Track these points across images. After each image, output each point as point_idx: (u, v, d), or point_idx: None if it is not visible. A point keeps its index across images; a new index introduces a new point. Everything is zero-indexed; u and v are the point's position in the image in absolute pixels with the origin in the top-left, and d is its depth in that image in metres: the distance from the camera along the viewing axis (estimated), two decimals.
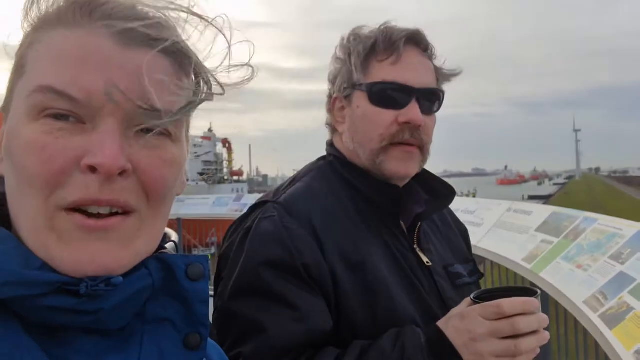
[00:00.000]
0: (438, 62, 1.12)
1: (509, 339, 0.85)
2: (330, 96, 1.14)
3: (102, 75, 0.47)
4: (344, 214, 1.05)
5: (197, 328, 0.54)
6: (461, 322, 0.88)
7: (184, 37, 0.52)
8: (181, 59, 0.52)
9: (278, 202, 1.03)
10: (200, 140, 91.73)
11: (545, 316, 0.88)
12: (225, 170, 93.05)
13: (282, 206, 1.01)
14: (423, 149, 1.07)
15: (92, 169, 0.46)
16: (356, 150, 1.09)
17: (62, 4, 0.50)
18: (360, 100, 1.07)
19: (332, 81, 1.13)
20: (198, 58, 0.53)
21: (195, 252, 9.56)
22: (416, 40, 1.07)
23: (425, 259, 1.10)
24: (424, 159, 1.09)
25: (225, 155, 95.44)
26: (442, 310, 1.03)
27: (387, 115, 1.04)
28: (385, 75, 1.04)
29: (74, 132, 0.47)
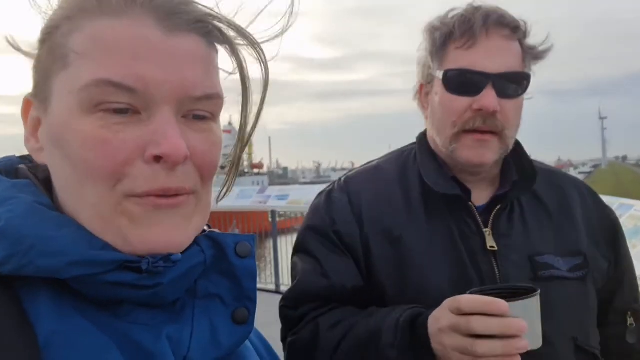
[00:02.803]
0: (530, 41, 1.07)
1: (470, 337, 0.81)
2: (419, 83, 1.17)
3: (155, 64, 0.48)
4: (400, 194, 1.10)
5: (245, 303, 0.55)
6: (438, 311, 0.89)
7: (225, 17, 0.53)
8: (225, 41, 0.53)
9: (342, 178, 1.18)
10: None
11: (515, 323, 0.79)
12: (245, 163, 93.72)
13: (341, 182, 1.16)
14: (501, 135, 1.04)
15: (157, 159, 0.48)
16: (434, 138, 1.12)
17: None
18: (438, 87, 1.08)
19: (419, 68, 1.15)
20: (238, 38, 0.53)
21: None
22: (495, 22, 1.03)
23: (490, 243, 1.05)
24: (503, 146, 1.05)
25: (246, 148, 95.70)
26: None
27: (461, 102, 1.03)
28: (460, 62, 1.04)
29: (131, 124, 0.48)
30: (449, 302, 0.86)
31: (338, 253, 1.08)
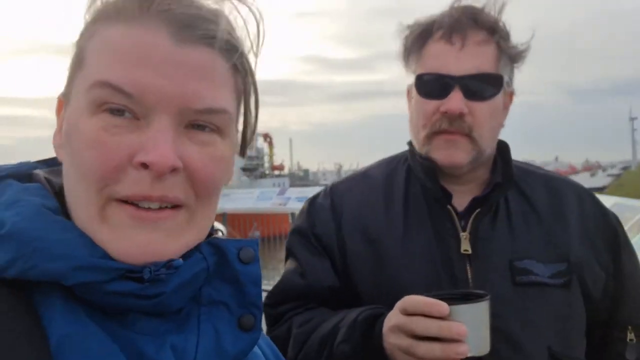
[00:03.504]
0: (507, 40, 1.07)
1: (413, 338, 0.83)
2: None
3: (157, 73, 0.48)
4: (383, 197, 1.13)
5: (250, 309, 0.55)
6: (392, 311, 0.91)
7: (236, 31, 0.54)
8: (233, 55, 0.53)
9: (330, 184, 1.24)
10: None
11: (455, 326, 0.79)
12: (266, 164, 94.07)
13: (328, 187, 1.22)
14: (471, 137, 1.04)
15: (145, 166, 0.48)
16: (413, 140, 1.14)
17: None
18: (413, 90, 1.10)
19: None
20: (247, 55, 0.55)
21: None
22: (467, 23, 1.04)
23: (464, 247, 1.06)
24: (475, 147, 1.05)
25: (266, 150, 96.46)
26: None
27: (430, 105, 1.05)
28: (430, 65, 1.06)
29: (128, 128, 0.49)
30: (399, 303, 0.88)
31: (316, 254, 1.12)
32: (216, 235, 0.59)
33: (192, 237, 0.53)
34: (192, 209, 0.52)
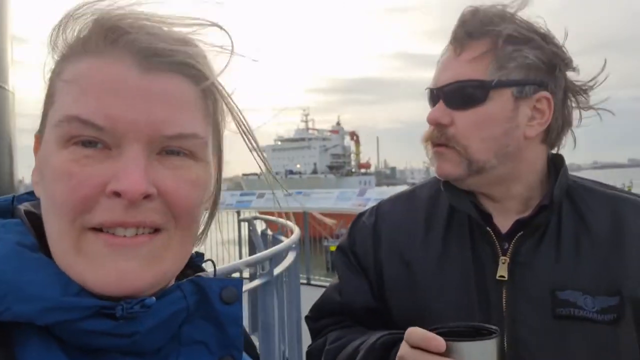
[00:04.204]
0: (508, 41, 0.98)
1: None
2: None
3: (125, 103, 0.49)
4: (424, 218, 1.10)
5: (230, 351, 0.54)
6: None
7: (208, 60, 0.55)
8: (201, 80, 0.53)
9: (378, 202, 1.22)
10: (328, 133, 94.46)
11: None
12: (352, 162, 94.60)
13: (377, 205, 1.21)
14: (455, 148, 0.99)
15: (117, 194, 0.48)
16: None
17: (87, 32, 0.52)
18: None
19: None
20: (219, 82, 0.55)
21: (325, 243, 10.12)
22: (456, 30, 1.01)
23: (500, 272, 0.99)
24: (464, 159, 0.99)
25: (353, 148, 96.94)
26: (499, 327, 0.93)
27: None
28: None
29: (100, 158, 0.49)
30: (406, 333, 0.85)
31: (354, 273, 1.13)
32: (200, 274, 0.59)
33: (170, 264, 0.52)
34: (171, 234, 0.52)
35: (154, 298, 0.50)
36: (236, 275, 5.63)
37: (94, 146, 0.49)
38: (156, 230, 0.51)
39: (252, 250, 5.68)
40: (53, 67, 0.54)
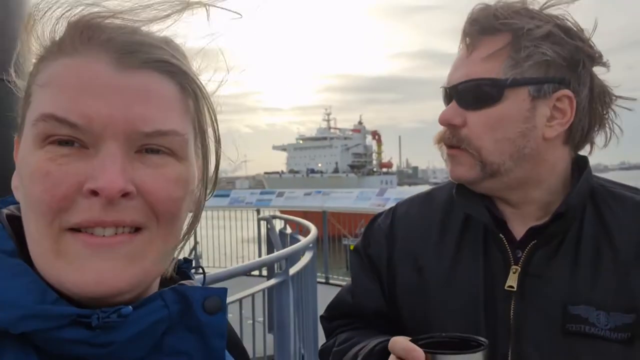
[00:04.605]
0: (528, 39, 0.91)
1: None
2: None
3: (101, 100, 0.48)
4: (439, 222, 1.06)
5: None
6: None
7: (187, 58, 0.54)
8: (180, 78, 0.52)
9: (396, 204, 1.19)
10: (350, 132, 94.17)
11: None
12: (374, 162, 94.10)
13: (393, 207, 1.18)
14: (468, 150, 0.94)
15: (95, 193, 0.47)
16: None
17: (62, 32, 0.51)
18: None
19: None
20: (196, 77, 0.54)
21: (344, 242, 10.09)
22: (467, 27, 0.97)
23: (509, 283, 0.95)
24: (477, 162, 0.94)
25: (375, 147, 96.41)
26: (504, 340, 0.93)
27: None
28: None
29: (77, 157, 0.48)
30: (390, 342, 0.84)
31: (367, 275, 1.11)
32: (184, 282, 0.58)
33: (151, 263, 0.51)
34: (153, 233, 0.50)
35: (130, 307, 0.48)
36: (255, 273, 5.66)
37: (71, 145, 0.48)
38: (137, 229, 0.50)
39: (270, 249, 5.70)
40: (31, 69, 0.53)
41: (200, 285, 0.57)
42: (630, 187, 1.02)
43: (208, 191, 0.59)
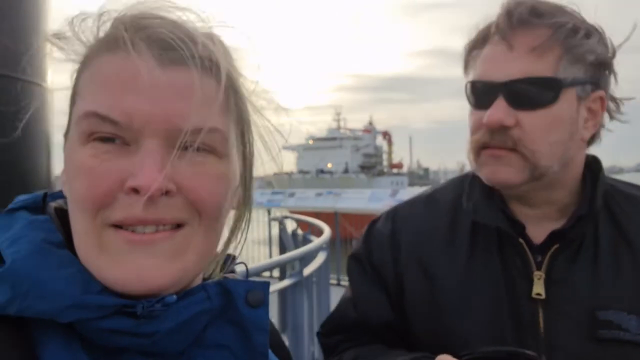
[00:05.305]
0: (576, 36, 0.89)
1: None
2: None
3: (142, 97, 0.49)
4: (447, 227, 1.01)
5: (256, 357, 0.53)
6: None
7: (229, 54, 0.55)
8: (222, 74, 0.52)
9: (392, 207, 1.12)
10: (360, 133, 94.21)
11: None
12: (384, 162, 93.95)
13: (392, 210, 1.11)
14: (521, 152, 0.89)
15: (135, 191, 0.48)
16: None
17: (107, 29, 0.52)
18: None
19: None
20: (238, 73, 0.55)
21: (355, 243, 10.00)
22: (517, 20, 0.90)
23: (536, 290, 0.91)
24: (528, 164, 0.89)
25: (385, 148, 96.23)
26: (534, 350, 0.87)
27: (476, 117, 0.93)
28: (477, 72, 0.94)
29: (119, 154, 0.49)
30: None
31: (371, 285, 1.04)
32: (227, 276, 0.59)
33: (191, 260, 0.51)
34: (195, 229, 0.51)
35: (174, 296, 0.49)
36: (266, 274, 5.65)
37: (113, 141, 0.49)
38: (178, 225, 0.50)
39: (283, 249, 5.68)
40: (77, 66, 0.54)
41: (242, 279, 0.58)
42: (638, 186, 1.03)
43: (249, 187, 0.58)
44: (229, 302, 0.53)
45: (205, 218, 0.51)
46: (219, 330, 0.53)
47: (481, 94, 0.93)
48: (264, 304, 0.54)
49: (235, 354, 0.53)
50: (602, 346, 0.86)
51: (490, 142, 0.91)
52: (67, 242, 0.52)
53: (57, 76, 0.56)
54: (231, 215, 0.58)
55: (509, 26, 0.90)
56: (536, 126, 0.89)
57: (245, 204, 0.59)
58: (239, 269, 0.64)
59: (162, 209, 0.49)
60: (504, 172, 0.91)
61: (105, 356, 0.50)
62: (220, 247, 0.58)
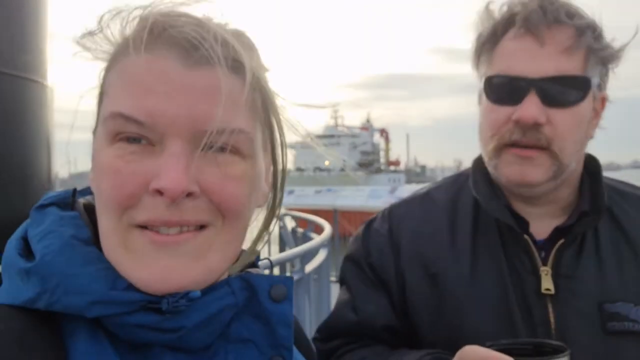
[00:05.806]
0: (599, 38, 0.91)
1: None
2: None
3: (167, 98, 0.49)
4: (447, 225, 1.00)
5: (281, 351, 0.54)
6: None
7: (255, 54, 0.55)
8: (247, 74, 0.52)
9: (388, 207, 1.11)
10: (357, 130, 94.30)
11: None
12: (381, 160, 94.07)
13: (386, 210, 1.09)
14: (551, 151, 0.89)
15: (159, 192, 0.48)
16: (482, 153, 1.00)
17: (132, 30, 0.52)
18: (482, 95, 0.97)
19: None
20: (263, 72, 0.54)
21: (349, 244, 10.01)
22: (553, 15, 0.89)
23: (545, 285, 0.91)
24: (556, 163, 0.89)
25: (382, 145, 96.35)
26: None
27: (501, 113, 0.91)
28: (502, 66, 0.91)
29: (144, 155, 0.49)
30: (458, 353, 0.76)
31: (371, 287, 1.02)
32: (250, 270, 0.59)
33: (215, 261, 0.52)
34: (218, 230, 0.51)
35: (198, 292, 0.50)
36: (266, 272, 5.65)
37: (138, 142, 0.49)
38: (202, 226, 0.51)
39: (282, 247, 5.67)
40: (105, 65, 0.54)
41: (266, 273, 0.58)
42: (629, 184, 1.05)
43: (278, 186, 0.58)
44: (253, 296, 0.54)
45: (229, 219, 0.52)
46: (244, 325, 0.54)
47: (507, 89, 0.90)
48: (287, 298, 0.54)
49: (260, 348, 0.53)
50: (612, 338, 0.88)
51: (521, 140, 0.89)
52: (95, 238, 0.53)
53: (86, 75, 0.56)
54: (258, 214, 0.58)
55: (544, 22, 0.88)
56: (566, 124, 0.89)
57: (274, 205, 0.58)
58: (263, 264, 0.64)
59: (186, 210, 0.49)
60: (534, 173, 0.89)
61: (132, 350, 0.50)
62: (247, 246, 0.58)
